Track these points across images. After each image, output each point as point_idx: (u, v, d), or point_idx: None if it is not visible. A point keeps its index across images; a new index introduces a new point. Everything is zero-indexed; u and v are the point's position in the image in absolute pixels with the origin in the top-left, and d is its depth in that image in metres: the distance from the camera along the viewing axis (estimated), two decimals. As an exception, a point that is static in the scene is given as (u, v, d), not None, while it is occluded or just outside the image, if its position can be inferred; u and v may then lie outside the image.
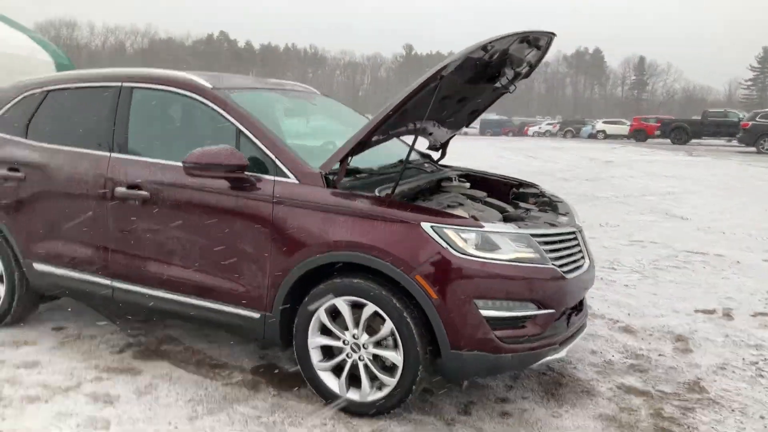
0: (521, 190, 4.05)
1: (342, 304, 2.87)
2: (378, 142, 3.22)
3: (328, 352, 3.00)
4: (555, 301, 2.87)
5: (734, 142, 28.23)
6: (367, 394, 2.88)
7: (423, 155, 4.36)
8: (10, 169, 3.71)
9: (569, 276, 2.96)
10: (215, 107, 3.24)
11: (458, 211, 2.99)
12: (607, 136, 41.91)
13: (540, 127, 53.56)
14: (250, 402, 3.04)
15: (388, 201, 2.85)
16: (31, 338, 3.80)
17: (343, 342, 2.92)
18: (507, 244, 2.78)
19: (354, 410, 2.92)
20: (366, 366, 2.88)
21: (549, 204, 3.73)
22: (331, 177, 2.98)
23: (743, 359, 3.69)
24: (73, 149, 3.58)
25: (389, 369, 2.85)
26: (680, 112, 72.70)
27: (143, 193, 3.27)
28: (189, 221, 3.18)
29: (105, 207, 3.41)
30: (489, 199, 3.75)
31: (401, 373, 2.79)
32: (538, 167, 16.58)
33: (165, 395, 3.10)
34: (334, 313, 2.92)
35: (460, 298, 2.68)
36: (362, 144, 2.96)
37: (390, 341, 2.83)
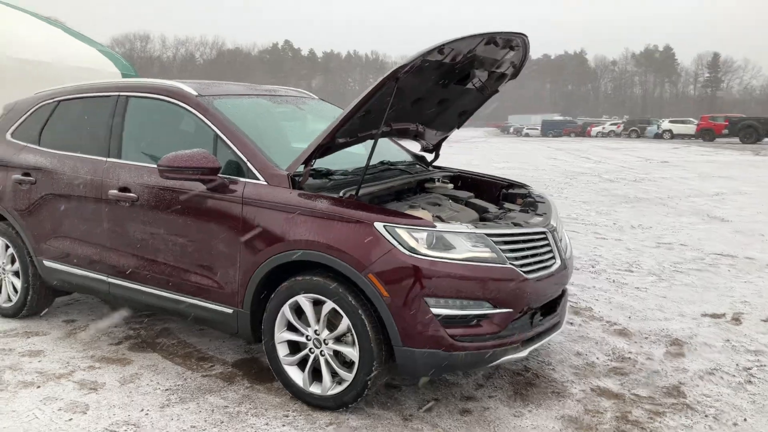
0: (510, 191, 4.03)
1: (304, 300, 2.97)
2: (347, 145, 3.29)
3: (294, 347, 3.10)
4: (513, 300, 2.86)
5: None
6: (327, 388, 2.96)
7: (417, 157, 4.41)
8: (24, 174, 4.02)
9: (531, 276, 2.94)
10: (197, 113, 3.41)
11: (419, 212, 3.04)
12: (674, 136, 40.29)
13: (603, 128, 51.98)
14: (222, 393, 3.18)
15: (345, 201, 2.92)
16: (43, 329, 4.10)
17: (306, 337, 3.01)
18: (462, 244, 2.80)
19: (316, 404, 3.01)
20: (327, 361, 2.97)
21: (532, 204, 3.71)
22: (297, 179, 3.08)
23: (737, 365, 3.54)
24: (76, 155, 3.84)
25: (349, 365, 2.92)
26: (760, 110, 68.90)
27: (132, 195, 3.49)
28: (171, 221, 3.36)
29: (101, 208, 3.64)
30: (473, 200, 3.76)
31: (357, 369, 2.86)
32: (587, 168, 16.16)
33: (146, 384, 3.28)
34: (299, 310, 3.02)
35: (410, 296, 2.72)
36: (325, 147, 3.05)
37: (349, 338, 2.90)
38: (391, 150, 4.37)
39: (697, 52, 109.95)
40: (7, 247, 4.22)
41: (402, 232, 2.76)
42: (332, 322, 2.94)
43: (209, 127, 3.35)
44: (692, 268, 5.68)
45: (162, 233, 3.41)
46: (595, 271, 5.59)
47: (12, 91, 4.79)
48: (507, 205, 3.81)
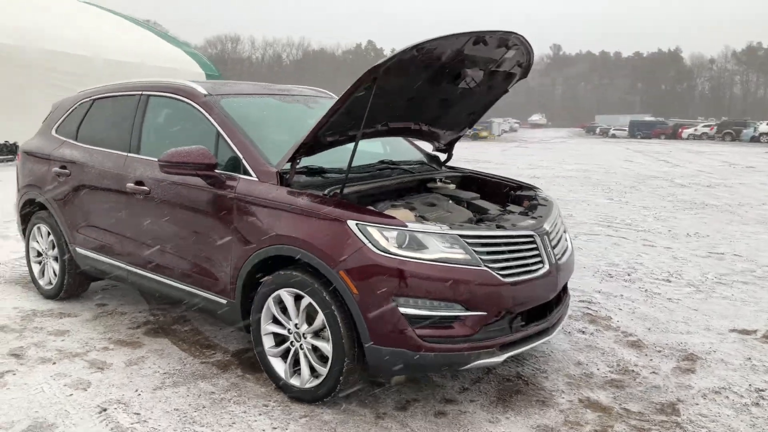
0: (518, 193, 3.95)
1: (285, 295, 3.05)
2: (337, 143, 3.33)
3: (279, 339, 3.19)
4: (487, 303, 2.82)
5: None
6: (305, 381, 3.04)
7: (431, 157, 4.41)
8: (61, 167, 4.36)
9: (510, 279, 2.89)
10: (203, 112, 3.58)
11: (400, 211, 3.05)
12: (773, 140, 37.49)
13: (696, 129, 49.15)
14: (213, 380, 3.33)
15: (324, 199, 2.98)
16: (75, 311, 4.42)
17: (288, 331, 3.10)
18: (434, 245, 2.79)
19: (295, 396, 3.09)
20: (305, 355, 3.04)
21: (534, 207, 3.62)
22: (285, 176, 3.17)
23: (749, 385, 3.30)
24: (103, 150, 4.13)
25: (325, 359, 2.98)
26: None
27: (145, 188, 3.70)
28: (175, 214, 3.55)
29: (121, 201, 3.89)
30: (476, 201, 3.72)
31: (330, 364, 2.91)
32: (661, 172, 15.38)
33: (148, 367, 3.48)
34: (282, 303, 3.11)
35: (378, 294, 2.74)
36: (310, 146, 3.12)
37: (326, 333, 2.96)
38: (403, 149, 4.40)
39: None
40: (49, 233, 4.58)
41: (373, 231, 2.78)
42: (311, 317, 3.01)
43: (212, 124, 3.50)
44: (737, 281, 5.32)
45: (168, 225, 3.60)
46: (629, 279, 5.35)
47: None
48: (511, 207, 3.74)
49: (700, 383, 3.33)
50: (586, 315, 4.40)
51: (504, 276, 2.88)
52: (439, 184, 3.87)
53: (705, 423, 2.90)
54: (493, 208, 3.66)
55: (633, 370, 3.48)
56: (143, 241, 3.80)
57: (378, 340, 2.77)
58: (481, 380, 3.35)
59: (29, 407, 2.99)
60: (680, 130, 50.42)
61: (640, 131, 53.01)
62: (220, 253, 3.32)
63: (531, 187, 4.03)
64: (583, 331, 4.08)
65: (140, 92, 4.06)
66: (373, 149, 4.39)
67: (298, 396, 3.07)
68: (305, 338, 3.03)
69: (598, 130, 62.86)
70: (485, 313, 2.82)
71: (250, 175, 3.26)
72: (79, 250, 4.30)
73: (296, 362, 3.09)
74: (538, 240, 3.11)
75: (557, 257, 3.23)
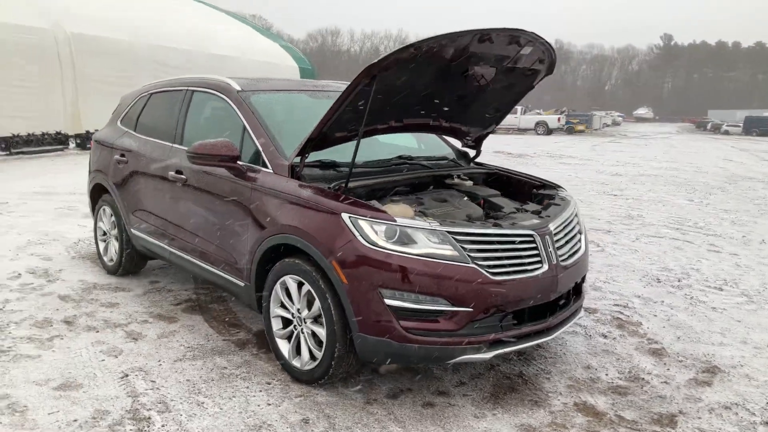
0: (541, 191, 3.91)
1: (290, 281, 3.24)
2: (347, 139, 3.44)
3: (286, 322, 3.39)
4: (473, 300, 2.85)
5: None
6: (304, 363, 3.21)
7: (461, 153, 4.44)
8: (121, 155, 4.79)
9: (500, 278, 2.91)
10: (234, 107, 3.82)
11: (398, 206, 3.13)
12: None
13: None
14: (229, 356, 3.58)
15: (324, 192, 3.12)
16: (130, 286, 4.86)
17: (292, 315, 3.29)
18: (423, 240, 2.87)
19: (296, 376, 3.27)
20: (305, 338, 3.21)
21: (549, 206, 3.58)
22: (297, 168, 3.34)
23: (767, 403, 3.11)
24: (154, 140, 4.50)
25: (322, 344, 3.14)
26: None
27: (183, 177, 4.02)
28: (206, 201, 3.83)
29: (165, 187, 4.24)
30: (493, 198, 3.74)
31: (324, 349, 3.07)
32: (760, 173, 14.22)
33: (176, 340, 3.80)
34: (288, 289, 3.30)
35: (365, 285, 2.85)
36: (318, 141, 3.26)
37: (322, 319, 3.11)
38: (434, 144, 4.46)
39: None
40: (112, 215, 5.05)
41: (364, 224, 2.89)
42: (311, 303, 3.17)
43: (240, 119, 3.74)
44: (801, 294, 4.93)
45: (200, 212, 3.90)
46: (678, 285, 5.11)
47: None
48: (529, 205, 3.71)
49: (712, 397, 3.18)
50: (615, 319, 4.28)
51: (493, 274, 2.90)
52: (456, 180, 3.90)
53: (700, 437, 2.80)
54: (508, 206, 3.66)
55: (644, 378, 3.37)
56: (181, 225, 4.12)
57: (364, 329, 2.89)
58: (481, 376, 3.38)
59: (65, 368, 3.37)
60: (806, 126, 45.94)
61: (756, 128, 48.87)
62: (239, 239, 3.56)
63: (554, 186, 3.97)
64: (606, 336, 3.98)
65: (186, 87, 4.38)
66: (407, 143, 4.49)
67: (298, 377, 3.25)
68: (306, 323, 3.20)
69: (709, 126, 58.66)
70: (471, 310, 2.86)
71: (267, 168, 3.47)
72: (133, 231, 4.72)
73: (299, 345, 3.27)
74: (538, 239, 3.09)
75: (562, 258, 3.19)
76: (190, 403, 3.03)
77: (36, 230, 6.77)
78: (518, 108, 38.74)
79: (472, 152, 4.40)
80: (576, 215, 3.63)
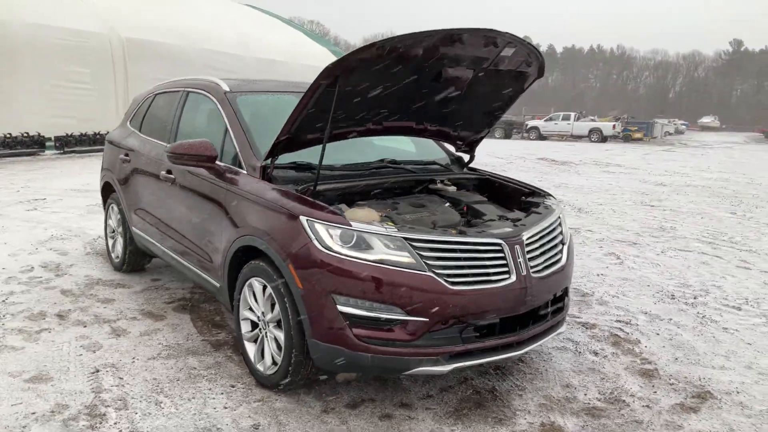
0: (528, 199, 3.75)
1: (256, 284, 3.20)
2: (319, 141, 3.38)
3: (254, 325, 3.35)
4: (429, 310, 2.74)
5: None
6: (267, 367, 3.17)
7: (455, 158, 4.32)
8: (125, 154, 4.90)
9: (460, 288, 2.78)
10: (219, 107, 3.84)
11: (363, 211, 3.04)
12: None
13: None
14: (201, 357, 3.58)
15: (288, 194, 3.07)
16: (130, 283, 4.95)
17: (258, 318, 3.25)
18: (379, 245, 2.78)
19: (260, 381, 3.23)
20: (269, 342, 3.17)
21: (530, 215, 3.42)
22: (268, 170, 3.31)
23: (755, 435, 2.87)
24: (152, 140, 4.57)
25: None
26: None
27: (172, 176, 4.06)
28: (190, 202, 3.85)
29: (158, 186, 4.30)
30: (477, 205, 3.60)
31: (282, 354, 3.02)
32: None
33: (156, 338, 3.83)
34: (255, 292, 3.26)
35: (319, 290, 2.79)
36: (286, 143, 3.22)
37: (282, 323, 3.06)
38: (430, 149, 4.35)
39: None
40: (118, 213, 5.17)
41: (320, 228, 2.83)
42: (273, 306, 3.12)
43: (224, 119, 3.74)
44: (829, 317, 4.54)
45: (186, 211, 3.93)
46: (692, 303, 4.80)
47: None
48: (513, 213, 3.55)
49: (695, 425, 2.95)
50: (612, 336, 4.05)
51: (453, 283, 2.78)
52: (439, 185, 3.79)
53: (668, 468, 2.59)
54: (492, 213, 3.51)
55: (624, 401, 3.17)
56: (170, 224, 4.16)
57: (318, 336, 2.82)
58: (450, 389, 3.25)
59: (42, 361, 3.45)
60: None
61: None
62: (215, 238, 3.56)
63: (543, 194, 3.80)
64: (597, 353, 3.77)
65: (183, 88, 4.43)
66: (403, 147, 4.41)
67: (261, 381, 3.21)
68: (269, 327, 3.16)
69: (780, 136, 55.66)
70: (427, 320, 2.75)
71: (242, 168, 3.46)
72: (134, 229, 4.81)
73: (264, 349, 3.23)
74: (506, 249, 2.95)
75: (535, 269, 3.04)
76: (149, 402, 3.03)
77: (62, 226, 7.02)
78: (571, 114, 37.87)
79: (464, 157, 4.27)
80: (560, 225, 3.45)
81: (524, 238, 3.05)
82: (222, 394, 3.15)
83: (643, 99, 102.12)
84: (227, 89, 3.93)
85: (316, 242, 2.81)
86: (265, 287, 3.14)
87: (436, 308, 2.76)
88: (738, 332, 4.19)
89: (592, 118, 39.49)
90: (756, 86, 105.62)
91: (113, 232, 5.35)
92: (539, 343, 3.19)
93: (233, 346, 3.73)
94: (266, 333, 3.19)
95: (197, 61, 20.17)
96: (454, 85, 3.36)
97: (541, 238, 3.19)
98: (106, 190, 5.42)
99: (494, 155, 20.08)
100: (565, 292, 3.39)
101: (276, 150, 3.24)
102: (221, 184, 3.50)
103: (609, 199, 10.36)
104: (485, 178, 4.04)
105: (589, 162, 18.35)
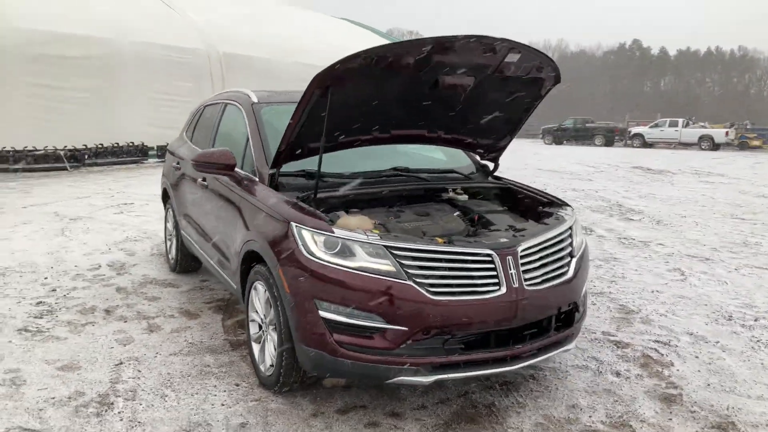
0: (545, 209, 3.61)
1: (259, 286, 3.32)
2: (328, 149, 3.44)
3: (259, 327, 3.46)
4: (408, 319, 2.72)
5: None
6: (266, 368, 3.27)
7: (480, 166, 4.25)
8: (177, 162, 5.23)
9: (442, 298, 2.74)
10: (245, 117, 4.02)
11: (356, 218, 3.07)
12: None
13: None
14: (218, 355, 3.75)
15: (287, 201, 3.15)
16: (180, 283, 5.26)
17: (261, 320, 3.36)
18: (361, 253, 2.79)
19: (261, 380, 3.34)
20: (268, 344, 3.27)
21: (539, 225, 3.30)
22: (275, 178, 3.43)
23: (770, 474, 2.58)
24: (196, 148, 4.85)
25: (280, 351, 3.17)
26: None
27: (206, 183, 4.29)
28: (216, 207, 4.05)
29: (197, 192, 4.56)
30: (488, 215, 3.53)
31: (275, 356, 3.10)
32: None
33: (184, 336, 4.05)
34: (259, 294, 3.38)
35: (302, 295, 2.85)
36: (288, 152, 3.31)
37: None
38: (457, 158, 4.30)
39: None
40: (173, 216, 5.52)
41: (306, 234, 2.89)
42: (272, 309, 3.22)
43: (247, 129, 3.92)
44: None
45: (213, 216, 4.14)
46: (749, 326, 4.38)
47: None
48: (527, 223, 3.43)
49: (704, 457, 2.70)
50: (643, 357, 3.79)
51: (434, 293, 2.74)
52: (451, 194, 3.73)
53: (653, 501, 2.39)
54: (502, 223, 3.42)
55: (631, 426, 2.96)
56: (205, 228, 4.40)
57: (302, 340, 2.88)
58: (447, 401, 3.19)
59: (78, 351, 3.76)
60: None
61: None
62: (232, 243, 3.72)
63: (560, 204, 3.65)
64: (619, 374, 3.55)
65: (223, 101, 4.67)
66: (433, 155, 4.40)
67: (262, 381, 3.32)
68: (269, 329, 3.26)
69: None
70: (406, 329, 2.73)
71: (255, 176, 3.60)
72: (182, 232, 5.12)
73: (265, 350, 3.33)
74: (496, 260, 2.86)
75: (531, 282, 2.92)
76: (155, 395, 3.22)
77: (140, 228, 7.57)
78: (679, 120, 35.56)
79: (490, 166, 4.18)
80: (570, 236, 3.29)
81: (519, 249, 2.94)
82: (224, 391, 3.28)
83: (760, 106, 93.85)
84: (255, 100, 4.10)
85: (302, 248, 2.87)
86: (266, 290, 3.25)
87: (416, 317, 2.73)
88: (793, 360, 3.78)
89: (703, 124, 36.83)
90: None
91: (170, 235, 5.71)
92: (538, 359, 3.05)
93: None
94: (267, 335, 3.28)
95: (289, 74, 20.95)
96: (457, 92, 3.31)
97: (541, 249, 3.06)
98: (165, 196, 5.80)
99: (582, 163, 19.31)
100: (575, 307, 3.23)
101: (279, 159, 3.34)
102: (237, 191, 3.65)
103: (696, 211, 9.65)
104: (507, 188, 3.94)
105: (688, 171, 17.16)
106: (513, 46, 3.07)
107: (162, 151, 17.06)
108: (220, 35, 19.40)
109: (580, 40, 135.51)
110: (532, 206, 3.71)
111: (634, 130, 37.04)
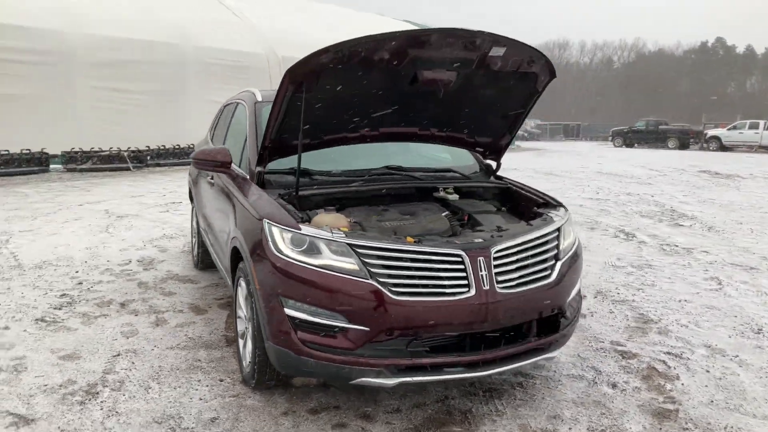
0: (539, 210, 3.47)
1: (242, 282, 3.35)
2: (309, 147, 3.42)
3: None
4: (371, 319, 2.67)
5: None
6: (247, 364, 3.30)
7: (484, 166, 4.13)
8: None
9: (404, 298, 2.67)
10: (248, 116, 4.08)
11: (328, 216, 3.05)
12: None
13: None
14: (211, 350, 3.81)
15: (266, 198, 3.16)
16: (199, 279, 5.40)
17: (244, 316, 3.39)
18: (326, 251, 2.77)
19: (243, 377, 3.36)
20: (249, 341, 3.29)
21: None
22: (263, 175, 3.46)
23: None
24: (211, 146, 4.96)
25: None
26: None
27: (212, 180, 4.39)
28: (220, 204, 4.13)
29: (208, 189, 4.67)
30: (479, 215, 3.43)
31: (251, 353, 3.12)
32: None
33: (186, 330, 4.14)
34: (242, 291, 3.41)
35: (270, 292, 2.85)
36: (272, 150, 3.33)
37: None
38: (460, 157, 4.21)
39: None
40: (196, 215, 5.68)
41: (276, 231, 2.89)
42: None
43: (246, 127, 3.97)
44: None
45: (217, 212, 4.21)
46: (781, 340, 4.05)
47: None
48: (517, 224, 3.31)
49: (683, 479, 2.51)
50: (648, 369, 3.57)
51: (396, 293, 2.67)
52: (441, 193, 3.63)
53: None
54: (491, 223, 3.31)
55: (612, 442, 2.79)
56: (212, 226, 4.49)
57: (270, 337, 2.89)
58: (423, 406, 3.11)
59: (83, 342, 3.92)
60: None
61: None
62: (227, 239, 3.78)
63: (555, 205, 3.48)
64: (615, 386, 3.35)
65: (236, 100, 4.76)
66: (441, 155, 4.33)
67: (244, 378, 3.34)
68: (249, 325, 3.28)
69: None
70: (368, 329, 2.68)
71: (247, 173, 3.64)
72: (201, 230, 5.25)
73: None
74: (467, 261, 2.76)
75: (504, 284, 2.80)
76: (141, 387, 3.31)
77: (179, 227, 7.84)
78: (761, 122, 33.40)
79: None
80: (556, 238, 3.13)
81: (493, 250, 2.83)
82: (207, 386, 3.33)
83: None
84: (259, 99, 4.15)
85: (271, 245, 2.87)
86: (247, 287, 3.27)
87: (378, 318, 2.67)
88: (819, 379, 3.45)
89: (789, 126, 34.41)
90: None
91: (195, 232, 5.87)
92: (516, 365, 2.92)
93: (245, 343, 3.92)
94: (248, 332, 3.31)
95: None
96: (440, 88, 3.22)
97: (519, 251, 2.93)
98: (190, 195, 5.97)
99: (647, 166, 18.49)
100: (561, 312, 3.07)
101: (264, 156, 3.37)
102: (232, 188, 3.71)
103: (756, 219, 9.02)
104: (506, 188, 3.81)
105: (760, 176, 16.07)
106: (495, 38, 2.96)
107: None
108: (279, 39, 19.88)
109: (658, 38, 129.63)
110: (528, 207, 3.57)
111: (711, 132, 35.10)
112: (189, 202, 6.20)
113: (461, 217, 3.43)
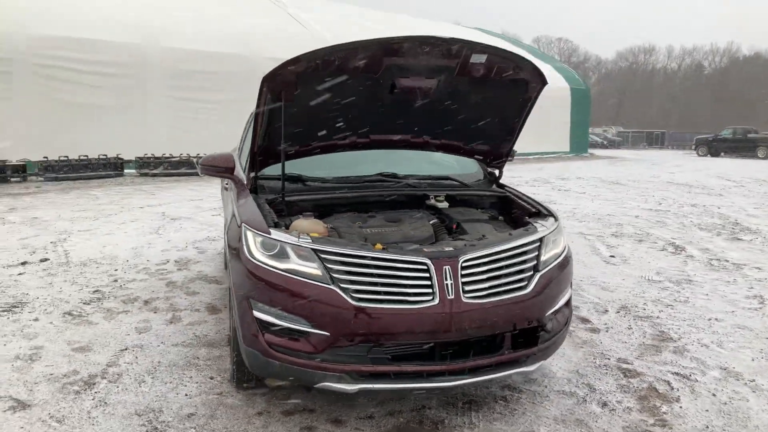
0: (530, 219, 3.37)
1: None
2: (302, 153, 3.49)
3: (240, 325, 3.60)
4: (331, 324, 2.69)
5: None
6: (231, 365, 3.39)
7: (488, 174, 4.07)
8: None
9: (364, 305, 2.68)
10: (247, 122, 4.21)
11: (305, 221, 3.10)
12: None
13: None
14: (212, 349, 3.94)
15: (251, 203, 3.25)
16: (224, 281, 5.58)
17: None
18: (293, 255, 2.82)
19: (231, 376, 3.46)
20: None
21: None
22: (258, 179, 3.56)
23: None
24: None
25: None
26: None
27: (227, 186, 4.55)
28: (228, 206, 4.28)
29: (225, 192, 4.84)
30: (468, 223, 3.39)
31: (232, 354, 3.21)
32: None
33: (194, 329, 4.31)
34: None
35: (241, 294, 2.93)
36: (264, 156, 3.42)
37: None
38: (465, 165, 4.16)
39: None
40: (225, 218, 5.88)
41: (250, 235, 2.96)
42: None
43: (249, 133, 4.10)
44: None
45: (228, 215, 4.36)
46: (812, 365, 3.72)
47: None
48: (501, 233, 3.24)
49: (645, 507, 2.36)
50: (648, 389, 3.38)
51: (357, 299, 2.68)
52: (432, 201, 3.60)
53: None
54: (477, 232, 3.26)
55: (581, 462, 2.66)
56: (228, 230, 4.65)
57: (242, 339, 2.96)
58: (396, 414, 3.09)
59: (99, 335, 4.15)
60: None
61: None
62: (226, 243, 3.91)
63: (546, 214, 3.37)
64: (605, 405, 3.20)
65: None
66: (446, 162, 4.30)
67: (231, 377, 3.44)
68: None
69: None
70: (328, 334, 2.70)
71: (245, 178, 3.76)
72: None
73: (237, 347, 3.46)
74: (432, 270, 2.73)
75: (471, 294, 2.75)
76: (136, 380, 3.47)
77: (222, 229, 8.13)
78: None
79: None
80: (537, 249, 3.03)
81: (461, 259, 2.78)
82: (196, 383, 3.45)
83: None
84: (269, 106, 4.26)
85: (245, 249, 2.96)
86: (237, 289, 3.37)
87: (338, 323, 2.69)
88: (840, 410, 3.15)
89: None
90: None
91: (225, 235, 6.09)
92: (486, 378, 2.85)
93: (246, 344, 4.02)
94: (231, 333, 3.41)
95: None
96: (421, 96, 3.21)
97: (492, 261, 2.86)
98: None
99: (723, 177, 17.40)
100: (540, 325, 2.97)
101: (254, 163, 3.46)
102: (232, 193, 3.84)
103: (830, 233, 8.31)
104: (504, 196, 3.72)
105: None
106: (471, 45, 2.92)
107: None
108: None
109: (755, 42, 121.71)
110: (521, 216, 3.47)
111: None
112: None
113: (449, 225, 3.39)
